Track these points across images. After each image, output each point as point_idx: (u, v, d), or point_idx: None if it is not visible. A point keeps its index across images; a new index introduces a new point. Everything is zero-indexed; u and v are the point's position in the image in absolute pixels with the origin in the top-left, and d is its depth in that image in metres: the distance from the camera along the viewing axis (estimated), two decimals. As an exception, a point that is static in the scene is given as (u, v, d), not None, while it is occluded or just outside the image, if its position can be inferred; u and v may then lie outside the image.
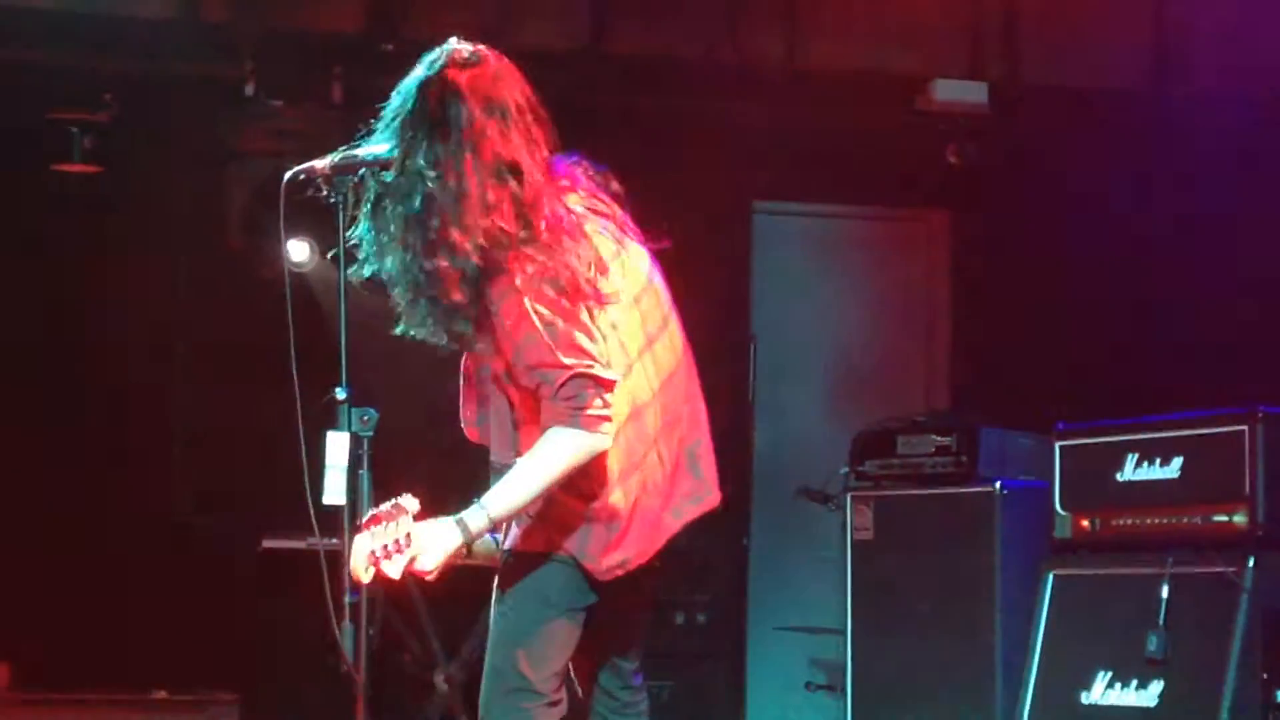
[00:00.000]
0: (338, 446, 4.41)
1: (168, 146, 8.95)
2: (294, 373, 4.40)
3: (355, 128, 4.50)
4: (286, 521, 7.51)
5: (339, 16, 8.72)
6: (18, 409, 8.86)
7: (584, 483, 4.36)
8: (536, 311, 4.25)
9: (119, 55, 8.55)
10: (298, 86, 8.64)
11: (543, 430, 4.28)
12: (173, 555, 8.83)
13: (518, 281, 4.26)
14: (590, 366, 4.25)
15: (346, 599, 4.34)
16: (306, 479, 4.37)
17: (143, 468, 9.08)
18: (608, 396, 4.27)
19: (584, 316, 4.30)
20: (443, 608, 8.19)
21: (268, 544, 8.03)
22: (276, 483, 4.98)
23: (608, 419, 4.28)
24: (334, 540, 4.36)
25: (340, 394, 4.40)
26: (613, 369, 4.31)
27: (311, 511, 4.38)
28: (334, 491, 4.41)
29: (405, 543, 4.23)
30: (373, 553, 4.21)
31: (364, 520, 4.25)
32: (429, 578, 4.29)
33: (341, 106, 8.54)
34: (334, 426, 4.41)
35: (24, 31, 8.37)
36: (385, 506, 4.27)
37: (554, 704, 4.46)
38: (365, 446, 4.39)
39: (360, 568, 4.22)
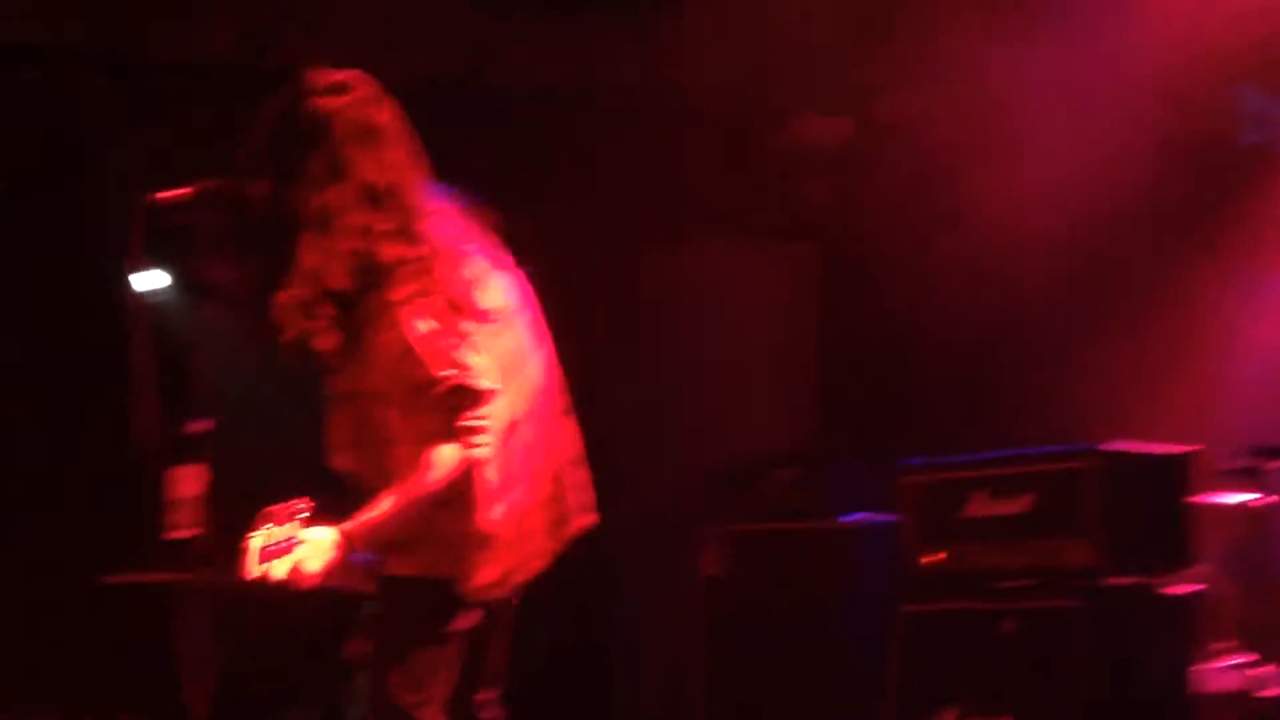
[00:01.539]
0: (188, 479, 4.41)
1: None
2: (147, 402, 4.40)
3: (222, 155, 4.51)
4: (134, 556, 7.44)
5: (208, 42, 8.68)
6: None
7: (461, 501, 4.38)
8: (415, 328, 4.30)
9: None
10: (164, 112, 8.59)
11: (421, 445, 4.32)
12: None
13: (397, 299, 4.30)
14: (468, 379, 4.29)
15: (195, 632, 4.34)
16: (156, 512, 4.37)
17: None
18: (486, 409, 4.31)
19: (461, 332, 4.35)
20: (293, 644, 8.14)
21: (111, 579, 7.90)
22: (129, 515, 4.96)
23: (486, 430, 4.32)
24: (180, 574, 4.35)
25: (191, 426, 4.41)
26: (491, 381, 4.35)
27: (164, 545, 4.38)
28: (183, 524, 4.41)
29: (293, 545, 4.25)
30: (264, 550, 4.23)
31: (258, 518, 4.27)
32: (308, 585, 4.30)
33: (208, 133, 8.49)
34: (185, 458, 4.42)
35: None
36: (277, 507, 4.29)
37: None
38: (209, 477, 4.40)
39: (252, 565, 4.23)
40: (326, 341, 4.33)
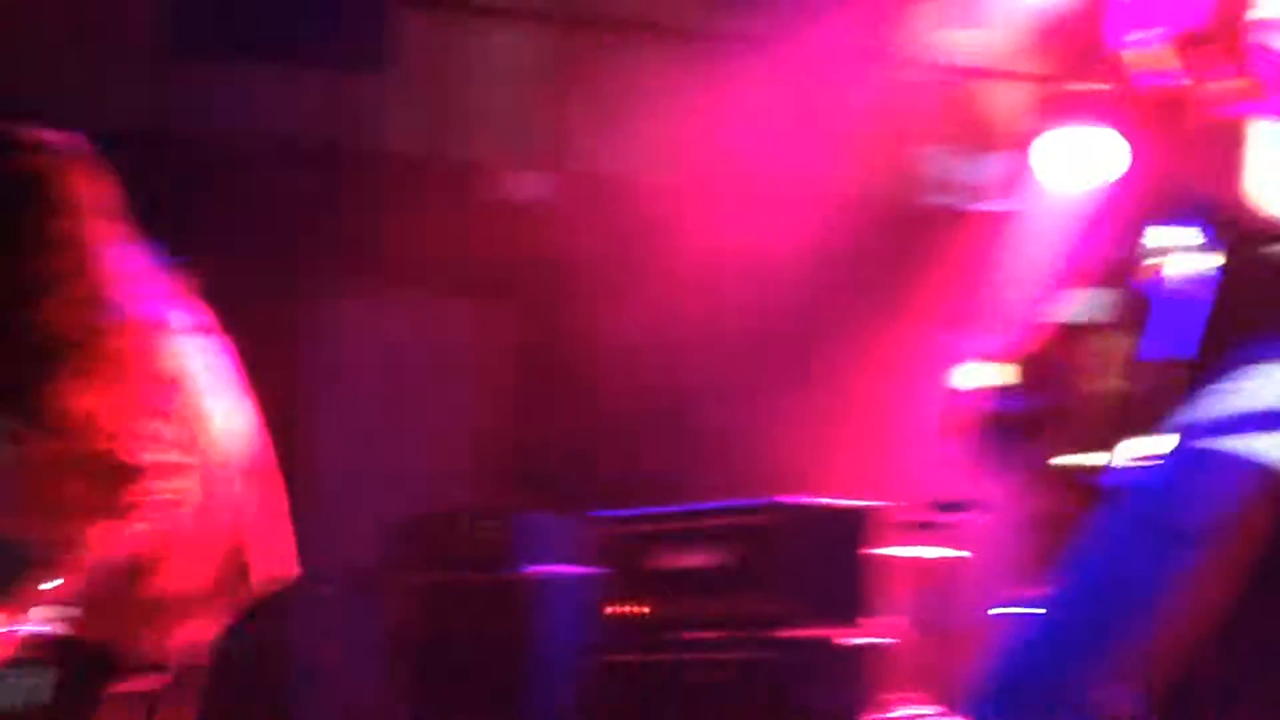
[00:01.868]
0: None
1: None
2: None
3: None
4: None
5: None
6: None
7: (150, 564, 4.27)
8: (105, 398, 4.20)
9: None
10: None
11: (103, 517, 4.20)
12: None
13: (86, 369, 4.19)
14: (156, 453, 4.21)
15: None
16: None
17: None
18: (173, 483, 4.24)
19: (153, 402, 4.27)
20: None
21: None
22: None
23: (172, 504, 4.24)
24: None
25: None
26: (180, 454, 4.29)
27: None
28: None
29: None
30: None
31: None
32: None
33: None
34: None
35: None
36: None
37: None
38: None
39: None
40: (30, 405, 4.25)
